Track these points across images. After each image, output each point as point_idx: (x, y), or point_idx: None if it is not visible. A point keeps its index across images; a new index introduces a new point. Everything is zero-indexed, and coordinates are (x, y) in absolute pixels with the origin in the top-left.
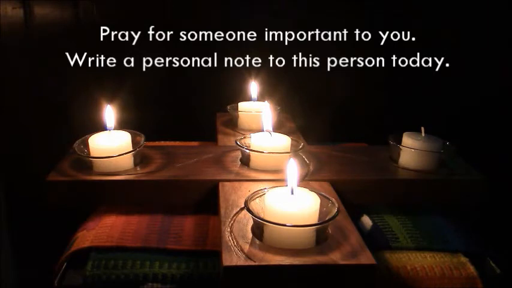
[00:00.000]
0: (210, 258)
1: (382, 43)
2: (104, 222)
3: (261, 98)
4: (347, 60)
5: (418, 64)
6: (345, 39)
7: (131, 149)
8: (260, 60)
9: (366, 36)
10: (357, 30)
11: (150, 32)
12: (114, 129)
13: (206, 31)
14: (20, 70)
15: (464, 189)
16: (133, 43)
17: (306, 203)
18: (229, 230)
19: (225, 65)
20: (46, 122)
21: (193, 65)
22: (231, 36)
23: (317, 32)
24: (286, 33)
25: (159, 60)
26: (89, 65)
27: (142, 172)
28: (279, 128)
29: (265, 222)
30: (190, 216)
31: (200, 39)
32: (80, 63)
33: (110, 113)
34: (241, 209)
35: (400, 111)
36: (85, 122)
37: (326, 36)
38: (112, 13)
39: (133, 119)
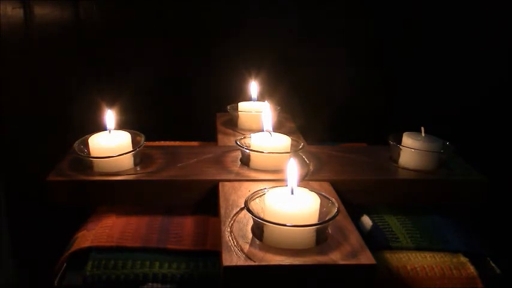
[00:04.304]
0: (210, 258)
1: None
2: (104, 222)
3: (261, 98)
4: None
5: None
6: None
7: (131, 149)
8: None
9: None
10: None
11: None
12: (114, 129)
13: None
14: (20, 70)
15: (464, 189)
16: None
17: (306, 203)
18: (229, 230)
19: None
20: (46, 122)
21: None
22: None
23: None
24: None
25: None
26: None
27: (142, 172)
28: (279, 128)
29: (265, 222)
30: (190, 216)
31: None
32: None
33: (109, 113)
34: (241, 209)
35: (400, 111)
36: (85, 122)
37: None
38: (112, 13)
39: (133, 119)
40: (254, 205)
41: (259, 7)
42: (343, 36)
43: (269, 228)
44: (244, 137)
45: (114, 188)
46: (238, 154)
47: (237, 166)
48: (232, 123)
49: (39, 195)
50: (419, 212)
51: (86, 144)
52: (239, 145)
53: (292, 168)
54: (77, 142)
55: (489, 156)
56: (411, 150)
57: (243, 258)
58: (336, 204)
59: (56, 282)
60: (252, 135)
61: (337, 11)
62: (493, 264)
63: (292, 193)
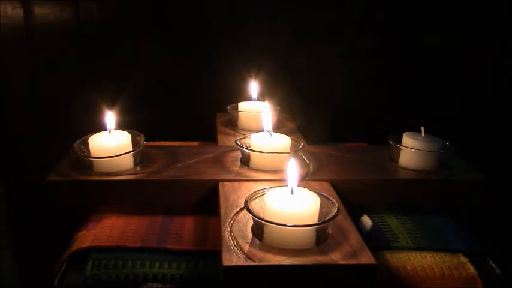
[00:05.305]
0: (210, 258)
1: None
2: (104, 222)
3: (261, 98)
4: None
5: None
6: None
7: (131, 149)
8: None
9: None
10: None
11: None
12: (114, 129)
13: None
14: (20, 70)
15: (464, 189)
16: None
17: (306, 203)
18: (229, 230)
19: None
20: (46, 122)
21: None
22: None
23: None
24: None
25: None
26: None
27: (142, 172)
28: (279, 128)
29: (265, 222)
30: (190, 216)
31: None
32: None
33: (110, 113)
34: (241, 209)
35: (400, 111)
36: (85, 122)
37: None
38: (112, 13)
39: (133, 119)
40: (254, 205)
41: (259, 7)
42: (343, 36)
43: (269, 228)
44: (244, 137)
45: (114, 188)
46: (238, 154)
47: (237, 166)
48: (232, 123)
49: (39, 195)
50: (419, 212)
51: (86, 144)
52: (239, 145)
53: (292, 168)
54: (77, 142)
55: (489, 156)
56: (411, 150)
57: (243, 258)
58: (336, 204)
59: (56, 282)
60: (252, 135)
61: (337, 11)
62: (493, 264)
63: (292, 193)
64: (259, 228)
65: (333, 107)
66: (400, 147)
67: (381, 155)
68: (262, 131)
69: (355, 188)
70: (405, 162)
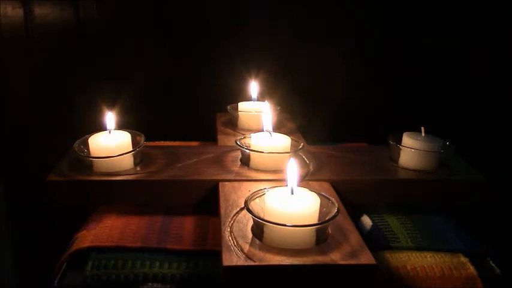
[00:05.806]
0: (210, 258)
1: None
2: (104, 222)
3: (261, 98)
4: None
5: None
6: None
7: (131, 149)
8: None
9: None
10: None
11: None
12: (114, 129)
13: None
14: (20, 70)
15: (464, 189)
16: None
17: (306, 203)
18: (229, 230)
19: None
20: (46, 122)
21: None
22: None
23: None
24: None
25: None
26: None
27: (142, 172)
28: (279, 128)
29: (265, 222)
30: (190, 216)
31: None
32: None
33: (110, 113)
34: (241, 209)
35: (400, 111)
36: (85, 122)
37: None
38: (112, 13)
39: (133, 119)
40: (254, 205)
41: (259, 7)
42: (343, 36)
43: (269, 228)
44: (244, 137)
45: (114, 188)
46: (238, 154)
47: (237, 166)
48: (232, 123)
49: (39, 195)
50: (419, 212)
51: (86, 144)
52: (239, 145)
53: (292, 168)
54: (77, 142)
55: (489, 156)
56: (411, 150)
57: (243, 258)
58: (336, 204)
59: (56, 282)
60: (252, 135)
61: (337, 11)
62: (493, 264)
63: (292, 193)
64: (259, 228)
65: (333, 107)
66: (400, 147)
67: (381, 155)
68: (262, 131)
69: (355, 188)
70: (405, 162)
